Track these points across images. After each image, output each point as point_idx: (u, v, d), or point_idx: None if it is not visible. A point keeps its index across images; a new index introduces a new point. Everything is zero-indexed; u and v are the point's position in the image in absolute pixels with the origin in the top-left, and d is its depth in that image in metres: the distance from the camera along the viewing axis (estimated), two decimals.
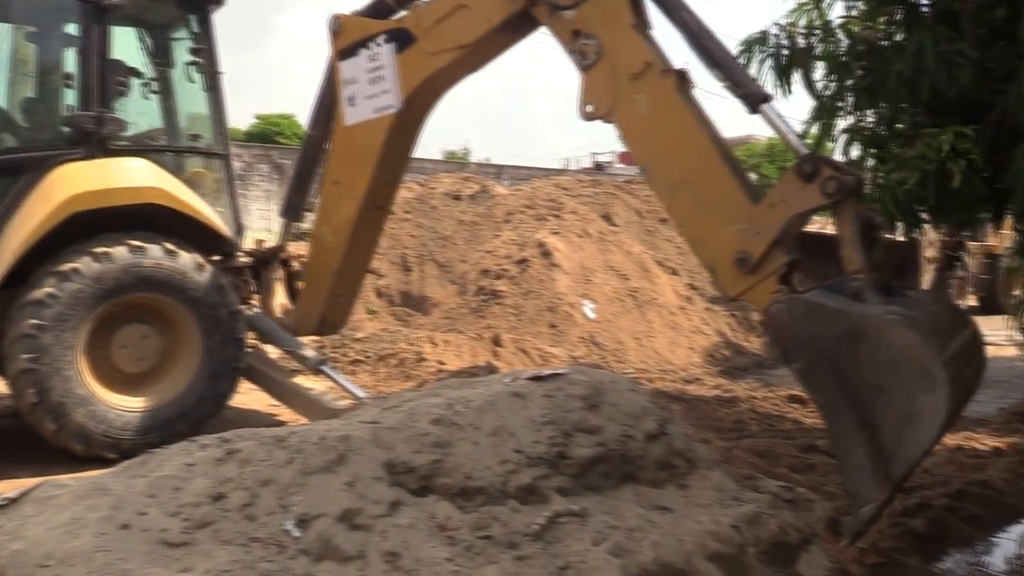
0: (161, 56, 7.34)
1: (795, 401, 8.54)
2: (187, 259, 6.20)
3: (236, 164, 21.49)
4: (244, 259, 7.31)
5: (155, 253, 6.10)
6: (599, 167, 39.96)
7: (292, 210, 7.37)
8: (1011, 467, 5.81)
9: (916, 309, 3.79)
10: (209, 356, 6.28)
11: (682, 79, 4.72)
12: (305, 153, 7.18)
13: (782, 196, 4.25)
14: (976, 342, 4.28)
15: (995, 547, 4.89)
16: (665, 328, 11.54)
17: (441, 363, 7.90)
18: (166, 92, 7.27)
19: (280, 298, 7.34)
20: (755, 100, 4.45)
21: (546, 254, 12.12)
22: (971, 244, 17.27)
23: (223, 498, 3.25)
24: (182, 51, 7.23)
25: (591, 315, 11.25)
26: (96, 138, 6.27)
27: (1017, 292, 6.85)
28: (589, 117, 4.97)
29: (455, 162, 27.31)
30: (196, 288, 6.18)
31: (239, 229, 7.08)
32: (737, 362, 11.11)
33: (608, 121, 4.95)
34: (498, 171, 25.69)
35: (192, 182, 6.76)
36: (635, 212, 15.04)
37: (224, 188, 7.08)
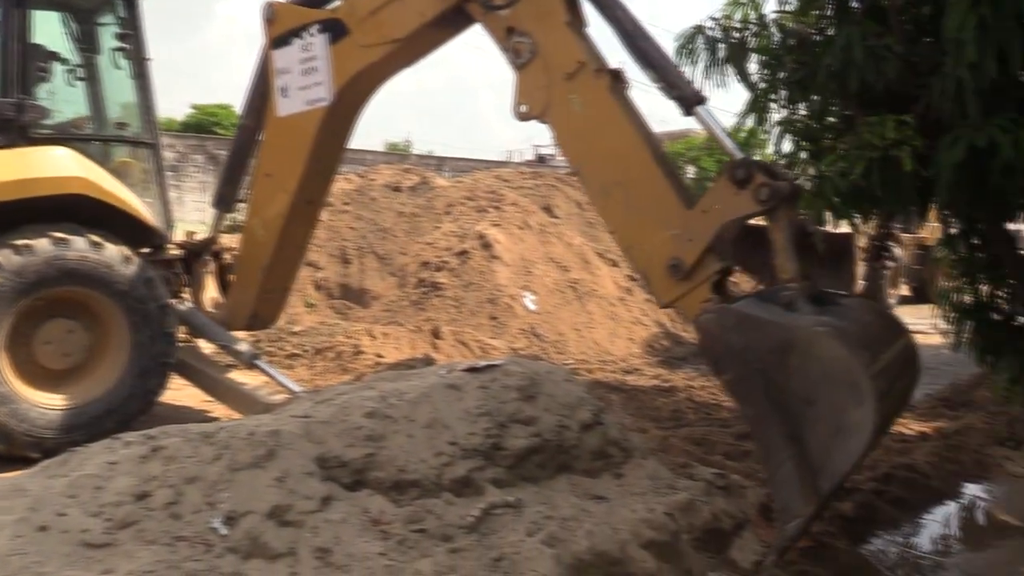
0: (86, 42, 7.08)
1: None
2: (113, 251, 6.00)
3: (169, 155, 20.97)
4: (175, 252, 7.12)
5: (80, 245, 5.89)
6: (542, 159, 40.07)
7: (224, 201, 7.18)
8: (936, 451, 5.99)
9: (848, 320, 3.78)
10: (138, 351, 6.09)
11: (617, 79, 4.66)
12: (237, 143, 6.99)
13: (715, 202, 4.19)
14: (910, 352, 4.30)
15: (920, 528, 5.03)
16: (605, 319, 11.60)
17: (379, 356, 7.81)
18: (92, 79, 7.02)
19: (211, 292, 7.17)
20: (689, 102, 4.41)
21: (486, 246, 12.08)
22: (904, 236, 17.76)
23: (147, 497, 3.15)
24: (108, 37, 6.99)
25: (531, 307, 11.26)
26: (16, 125, 6.02)
27: (943, 282, 7.04)
28: (523, 117, 4.87)
29: (396, 154, 27.06)
30: (123, 281, 5.99)
31: (169, 221, 6.88)
32: (676, 352, 11.23)
33: (542, 121, 4.86)
34: (439, 163, 25.54)
35: (119, 172, 6.54)
36: (576, 204, 15.10)
37: (153, 178, 6.86)
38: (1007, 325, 6.54)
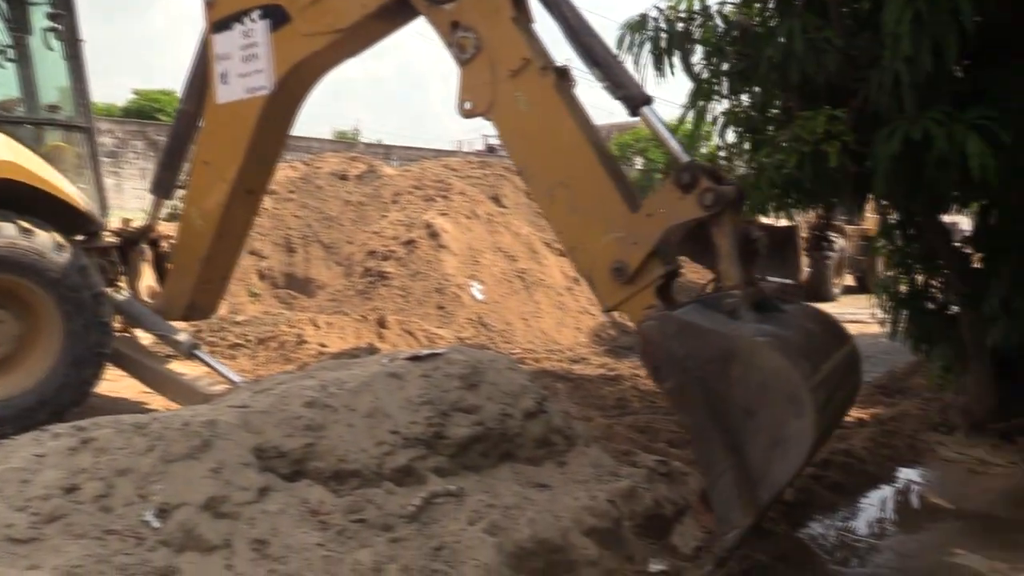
0: (17, 22, 6.80)
1: None
2: (45, 238, 5.80)
3: (108, 141, 20.43)
4: (110, 239, 6.92)
5: (9, 232, 5.68)
6: (491, 149, 39.97)
7: (162, 188, 6.97)
8: (872, 437, 6.12)
9: (790, 329, 3.77)
10: (71, 341, 5.91)
11: (563, 77, 4.57)
12: (176, 128, 6.78)
13: (659, 205, 4.14)
14: (853, 360, 4.32)
15: (857, 512, 5.14)
16: (552, 309, 11.64)
17: (323, 345, 7.71)
18: (23, 60, 6.75)
19: (148, 280, 6.97)
20: (636, 101, 4.35)
21: (434, 235, 12.02)
22: (848, 227, 18.13)
23: (76, 490, 3.06)
24: (40, 17, 6.74)
25: (479, 296, 11.24)
26: None
27: (881, 272, 7.21)
28: (467, 114, 4.74)
29: (343, 142, 26.71)
30: (55, 269, 5.80)
31: (104, 207, 6.68)
32: (622, 341, 11.31)
33: (487, 118, 4.74)
34: (387, 151, 25.29)
35: (51, 157, 6.32)
36: (524, 194, 15.09)
37: (87, 163, 6.64)
38: (941, 314, 6.73)
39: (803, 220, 15.87)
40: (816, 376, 3.55)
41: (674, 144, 4.28)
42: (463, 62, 4.74)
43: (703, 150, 4.53)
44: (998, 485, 5.60)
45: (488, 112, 4.69)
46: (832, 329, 4.28)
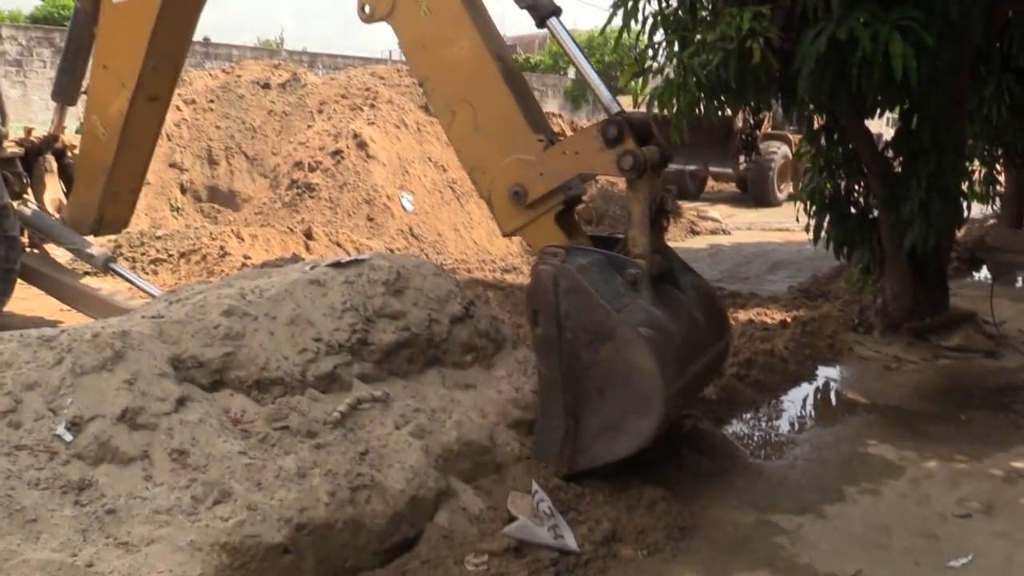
0: None
1: None
2: None
3: (12, 49, 19.17)
4: (14, 149, 6.53)
5: None
6: None
7: (63, 93, 6.51)
8: (794, 337, 6.30)
9: (678, 317, 3.75)
10: None
11: None
12: (74, 28, 6.30)
13: (577, 148, 3.96)
14: (721, 356, 4.33)
15: (777, 408, 5.31)
16: (484, 219, 11.53)
17: (247, 258, 7.51)
18: None
19: (54, 192, 6.60)
20: (543, 12, 4.09)
21: (362, 145, 11.70)
22: (793, 135, 18.21)
23: None
24: None
25: (409, 207, 11.07)
26: None
27: (806, 178, 7.30)
28: (367, 19, 4.39)
29: (264, 49, 25.60)
30: None
31: (4, 116, 6.28)
32: None
33: (388, 23, 4.39)
34: (312, 60, 24.34)
35: None
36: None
37: None
38: (861, 218, 6.89)
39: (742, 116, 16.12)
40: (678, 382, 3.62)
41: (603, 90, 4.01)
42: None
43: (635, 117, 4.19)
44: (910, 381, 5.85)
45: (388, 16, 4.35)
46: (716, 320, 4.25)
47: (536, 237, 4.04)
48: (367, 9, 4.38)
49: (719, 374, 4.30)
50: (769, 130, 18.20)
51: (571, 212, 4.14)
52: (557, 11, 4.12)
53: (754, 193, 18.28)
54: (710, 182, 20.40)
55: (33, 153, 6.55)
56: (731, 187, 20.18)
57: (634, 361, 3.47)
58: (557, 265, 3.62)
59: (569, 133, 18.55)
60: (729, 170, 18.32)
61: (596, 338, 3.52)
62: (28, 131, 6.68)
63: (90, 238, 6.48)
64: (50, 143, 6.64)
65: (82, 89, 6.48)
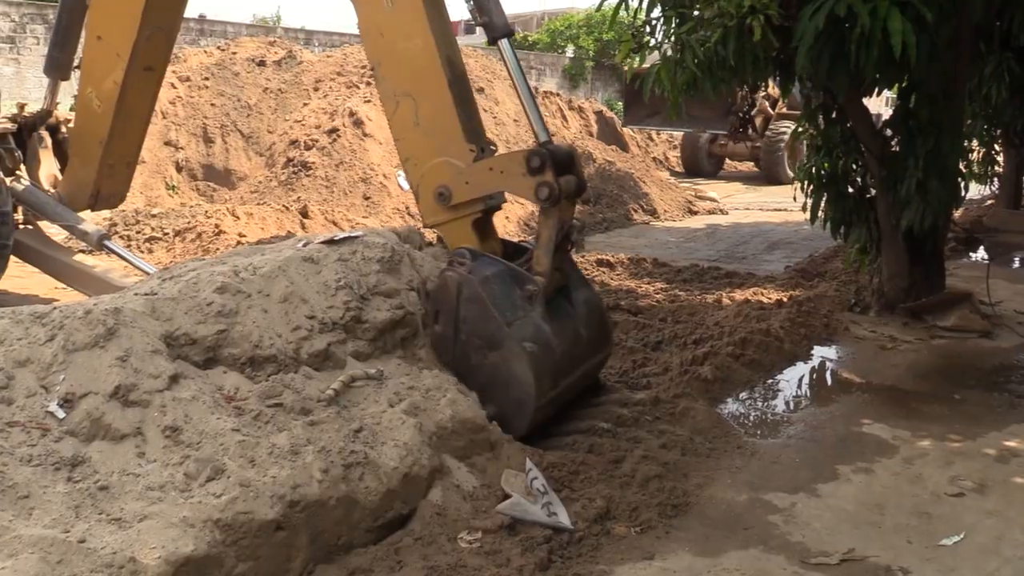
0: None
1: (603, 265, 8.84)
2: None
3: (4, 25, 18.95)
4: (6, 125, 6.48)
5: None
6: None
7: (56, 67, 6.47)
8: (790, 317, 6.29)
9: (558, 338, 4.01)
10: None
11: None
12: (68, 1, 6.24)
13: (503, 169, 4.17)
14: (597, 367, 4.58)
15: (773, 387, 5.32)
16: None
17: (242, 236, 7.47)
18: None
19: (49, 168, 6.56)
20: (497, 32, 4.27)
21: (358, 123, 11.65)
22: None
23: None
24: None
25: (406, 186, 11.01)
26: None
27: (802, 157, 7.28)
28: None
29: (260, 26, 25.40)
30: None
31: None
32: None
33: (352, 2, 4.50)
34: (308, 36, 24.13)
35: None
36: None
37: None
38: (859, 198, 6.86)
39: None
40: (551, 392, 3.94)
41: (535, 117, 4.26)
42: None
43: (558, 149, 4.19)
44: (905, 360, 5.85)
45: None
46: (600, 334, 4.48)
47: (453, 236, 4.32)
48: None
49: (595, 380, 4.64)
50: (784, 110, 18.16)
51: (489, 218, 4.41)
52: (509, 33, 4.31)
53: (765, 171, 18.36)
54: (728, 161, 20.53)
55: (27, 129, 6.49)
56: (749, 166, 20.20)
57: (515, 372, 3.81)
58: (462, 274, 3.91)
59: (567, 113, 18.53)
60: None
61: (486, 345, 3.87)
62: (21, 107, 6.62)
63: (84, 215, 6.45)
64: (44, 118, 6.59)
65: (75, 64, 6.42)
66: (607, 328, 4.68)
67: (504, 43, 4.28)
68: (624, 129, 19.70)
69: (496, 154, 4.37)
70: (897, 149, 6.48)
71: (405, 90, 4.35)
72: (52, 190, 6.42)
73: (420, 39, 4.26)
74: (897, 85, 6.45)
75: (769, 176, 18.22)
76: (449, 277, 3.95)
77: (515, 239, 10.71)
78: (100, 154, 6.09)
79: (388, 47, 4.38)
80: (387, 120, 4.57)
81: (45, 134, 6.60)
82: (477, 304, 3.86)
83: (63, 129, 6.67)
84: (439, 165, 4.28)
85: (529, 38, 34.50)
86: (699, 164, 19.57)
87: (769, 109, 18.45)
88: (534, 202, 4.13)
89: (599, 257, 9.12)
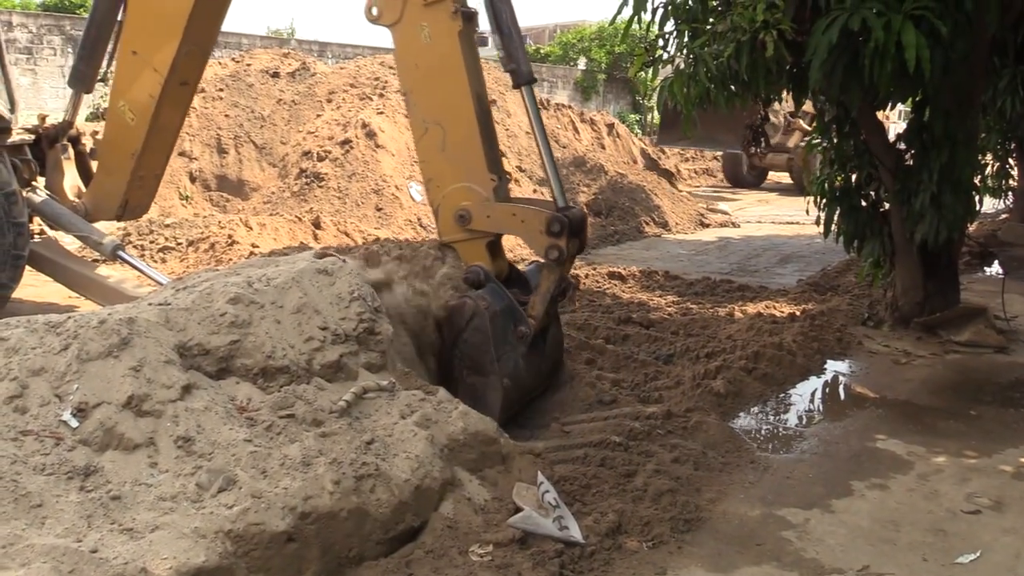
0: None
1: (614, 277, 8.83)
2: None
3: (22, 36, 19.17)
4: (23, 136, 6.53)
5: None
6: None
7: (82, 80, 6.51)
8: (803, 331, 6.26)
9: (528, 372, 4.56)
10: None
11: (469, 22, 4.64)
12: (97, 14, 6.27)
13: (524, 219, 4.60)
14: (547, 387, 4.98)
15: (785, 402, 5.28)
16: None
17: (255, 246, 7.50)
18: None
19: (71, 180, 6.60)
20: (523, 78, 4.61)
21: (370, 135, 11.70)
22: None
23: None
24: None
25: (418, 197, 11.05)
26: None
27: (816, 170, 7.26)
28: (372, 20, 4.75)
29: (274, 38, 25.57)
30: None
31: (12, 102, 6.27)
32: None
33: (389, 31, 4.76)
34: (321, 48, 24.28)
35: None
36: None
37: None
38: (872, 211, 6.84)
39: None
40: (511, 411, 4.42)
41: (556, 184, 4.66)
42: None
43: (574, 214, 4.44)
44: (920, 375, 5.81)
45: (392, 26, 4.71)
46: (554, 370, 5.02)
47: (468, 254, 4.72)
48: (375, 12, 4.72)
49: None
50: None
51: (499, 241, 4.85)
52: (532, 80, 4.70)
53: (798, 183, 18.50)
54: (770, 173, 20.75)
55: (48, 140, 6.54)
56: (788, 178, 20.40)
57: (488, 399, 4.26)
58: (479, 305, 4.36)
59: (579, 125, 18.56)
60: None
61: (473, 369, 4.37)
62: (42, 118, 6.67)
63: (98, 225, 6.49)
64: (65, 130, 6.64)
65: (99, 77, 6.48)
66: (561, 363, 5.15)
67: (524, 90, 4.64)
68: (639, 139, 19.82)
69: (515, 198, 4.84)
70: (911, 162, 6.45)
71: (435, 118, 4.68)
72: (76, 200, 6.45)
73: (453, 75, 4.60)
74: (911, 98, 6.43)
75: (801, 187, 18.38)
76: (469, 304, 4.35)
77: (526, 249, 10.74)
78: (132, 166, 6.15)
79: (422, 78, 4.70)
80: (414, 142, 4.89)
81: (67, 145, 6.64)
82: (480, 334, 4.33)
83: (83, 141, 6.73)
84: (461, 189, 4.64)
85: (541, 50, 34.60)
86: (740, 176, 20.04)
87: (804, 125, 18.56)
88: (542, 258, 4.61)
89: (611, 270, 9.11)
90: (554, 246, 4.46)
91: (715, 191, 20.45)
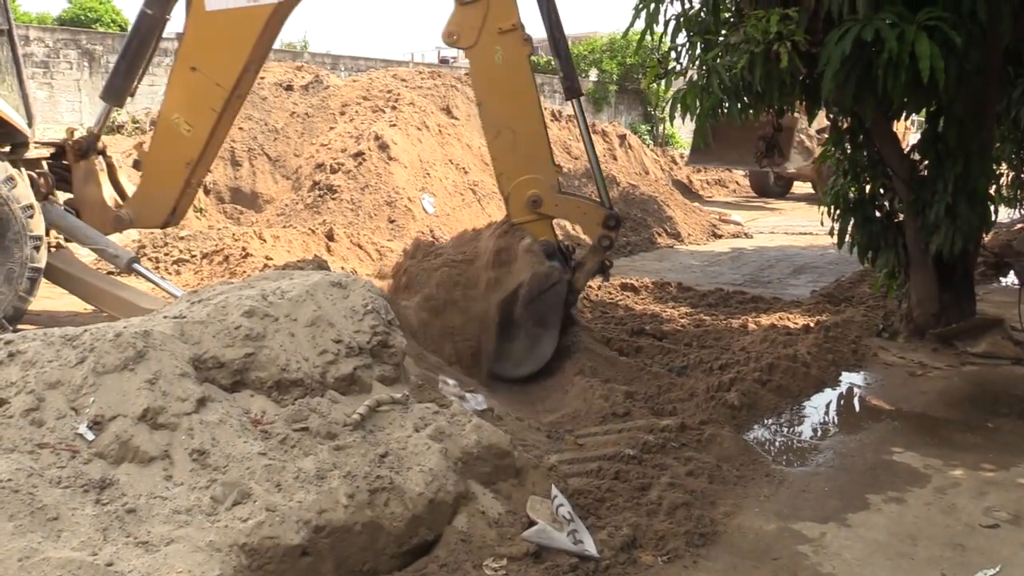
0: None
1: (627, 289, 8.81)
2: None
3: (39, 50, 19.36)
4: (40, 150, 6.59)
5: None
6: (444, 62, 39.02)
7: (116, 94, 6.67)
8: (817, 342, 6.22)
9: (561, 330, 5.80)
10: (2, 256, 5.68)
11: (529, 45, 5.80)
12: (140, 33, 6.48)
13: (586, 212, 6.04)
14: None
15: (800, 414, 5.25)
16: None
17: (268, 259, 7.53)
18: None
19: (108, 190, 6.78)
20: (574, 93, 5.98)
21: (383, 147, 11.74)
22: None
23: (4, 404, 2.95)
24: None
25: (430, 209, 11.08)
26: None
27: (830, 180, 7.23)
28: (450, 43, 5.94)
29: (287, 51, 25.73)
30: None
31: (30, 116, 6.33)
32: (577, 255, 11.29)
33: (464, 52, 5.97)
34: (334, 62, 24.43)
35: None
36: (476, 105, 14.75)
37: (8, 69, 6.26)
38: (887, 222, 6.80)
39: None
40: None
41: (603, 189, 6.15)
42: (463, 3, 5.75)
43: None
44: (936, 387, 5.76)
45: (467, 49, 5.88)
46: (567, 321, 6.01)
47: (537, 231, 5.92)
48: (454, 36, 5.82)
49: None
50: None
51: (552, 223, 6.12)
52: (580, 94, 6.03)
53: (821, 192, 18.41)
54: (796, 183, 20.76)
55: (78, 152, 6.64)
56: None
57: (543, 344, 5.66)
58: (563, 275, 5.73)
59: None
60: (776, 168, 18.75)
61: (538, 322, 5.61)
62: (71, 131, 6.79)
63: (113, 238, 6.55)
64: (94, 142, 6.74)
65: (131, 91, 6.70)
66: (572, 319, 6.22)
67: (574, 102, 6.00)
68: (650, 150, 19.82)
69: (570, 193, 6.41)
70: (925, 173, 6.42)
71: (507, 124, 5.87)
72: (116, 210, 6.66)
73: (525, 89, 5.84)
74: (925, 109, 6.41)
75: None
76: (555, 272, 5.67)
77: None
78: (186, 175, 6.46)
79: (496, 91, 5.89)
80: (487, 143, 6.16)
81: (98, 157, 6.79)
82: (557, 297, 5.65)
83: (110, 154, 6.88)
84: (530, 180, 5.87)
85: (553, 62, 34.69)
86: (767, 187, 20.15)
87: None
88: (593, 243, 6.00)
89: (623, 281, 9.10)
90: (606, 236, 5.95)
91: (746, 201, 20.46)
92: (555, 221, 6.10)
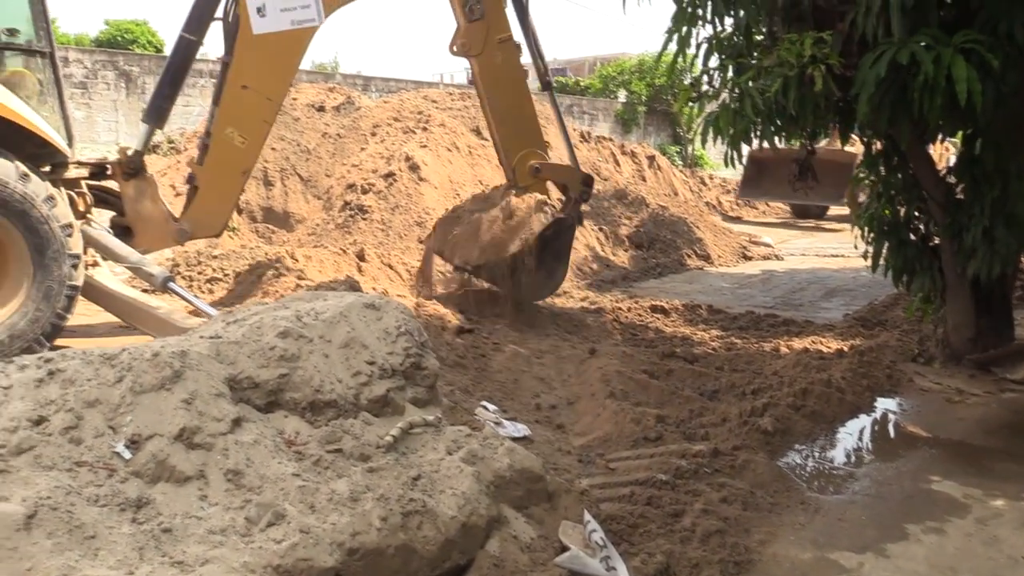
0: None
1: (657, 311, 8.77)
2: (9, 168, 5.62)
3: (78, 71, 19.79)
4: (79, 169, 6.72)
5: None
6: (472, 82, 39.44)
7: (159, 115, 7.10)
8: (851, 367, 6.14)
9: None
10: (41, 274, 5.78)
11: (520, 50, 7.74)
12: (181, 57, 7.01)
13: (570, 175, 8.23)
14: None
15: (835, 441, 5.17)
16: None
17: (301, 278, 7.60)
18: None
19: (165, 206, 7.19)
20: (547, 86, 8.32)
21: (414, 168, 11.82)
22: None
23: (44, 421, 2.98)
24: None
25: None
26: None
27: (861, 201, 7.16)
28: (463, 52, 7.56)
29: (319, 72, 26.05)
30: (21, 200, 5.63)
31: (70, 136, 6.46)
32: (605, 275, 11.28)
33: (470, 58, 7.64)
34: (366, 83, 24.70)
35: (11, 83, 6.09)
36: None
37: (50, 90, 6.40)
38: (922, 245, 6.71)
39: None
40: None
41: (569, 151, 8.58)
42: (469, 20, 7.43)
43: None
44: (974, 414, 5.66)
45: (475, 56, 7.57)
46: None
47: (538, 190, 7.86)
48: (464, 47, 7.51)
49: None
50: None
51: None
52: (552, 87, 8.56)
53: (853, 215, 18.30)
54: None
55: (128, 172, 6.96)
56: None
57: (558, 272, 8.08)
58: (573, 221, 8.01)
59: (620, 157, 18.59)
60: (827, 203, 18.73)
61: (555, 256, 7.81)
62: (123, 151, 7.06)
63: (148, 256, 6.65)
64: (141, 161, 6.99)
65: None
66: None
67: (550, 92, 8.42)
68: (680, 171, 19.75)
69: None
70: (961, 196, 6.33)
71: (508, 110, 7.77)
72: (179, 224, 7.09)
73: (519, 83, 7.80)
74: (960, 131, 6.34)
75: None
76: (568, 219, 7.86)
77: (569, 283, 10.72)
78: (243, 183, 7.39)
79: (499, 86, 7.71)
80: (495, 128, 8.00)
81: (147, 174, 7.14)
82: (568, 236, 7.96)
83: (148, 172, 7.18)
84: (529, 153, 7.89)
85: (581, 83, 34.80)
86: (807, 208, 20.27)
87: None
88: (576, 196, 8.08)
89: (653, 303, 9.05)
90: (586, 192, 8.11)
91: (778, 219, 20.33)
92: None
